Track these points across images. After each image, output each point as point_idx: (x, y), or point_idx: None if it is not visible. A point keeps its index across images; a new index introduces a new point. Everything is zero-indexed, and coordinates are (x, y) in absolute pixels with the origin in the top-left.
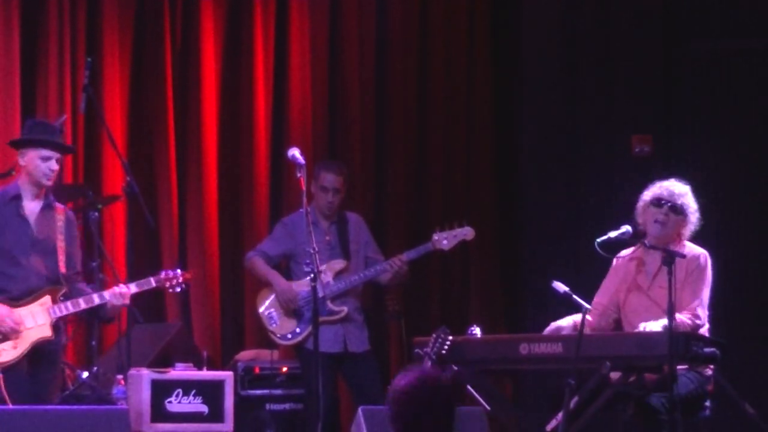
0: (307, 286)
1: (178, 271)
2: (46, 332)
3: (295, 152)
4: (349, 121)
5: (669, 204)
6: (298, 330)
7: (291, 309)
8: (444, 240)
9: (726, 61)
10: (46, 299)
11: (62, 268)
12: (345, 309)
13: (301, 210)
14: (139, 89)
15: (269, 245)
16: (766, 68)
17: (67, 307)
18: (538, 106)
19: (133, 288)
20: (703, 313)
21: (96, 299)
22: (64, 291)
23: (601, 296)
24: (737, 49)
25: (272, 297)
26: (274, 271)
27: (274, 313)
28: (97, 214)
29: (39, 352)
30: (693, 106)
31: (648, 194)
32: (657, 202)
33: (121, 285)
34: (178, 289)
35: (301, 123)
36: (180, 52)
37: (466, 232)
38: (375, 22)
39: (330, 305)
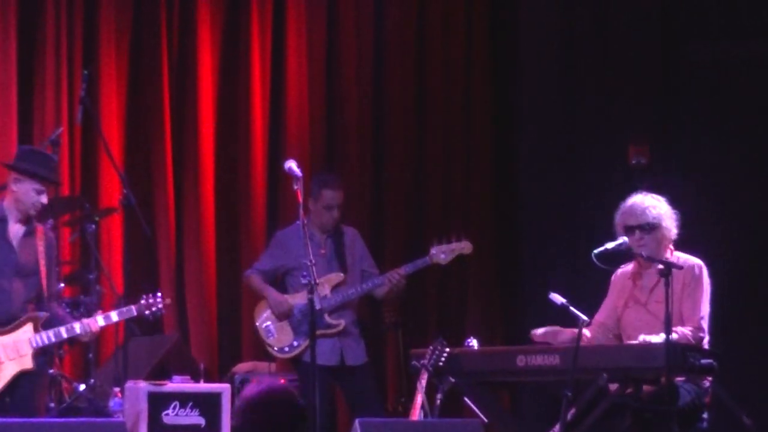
0: (302, 298)
1: (159, 294)
2: (28, 364)
3: (292, 165)
4: (346, 126)
5: (638, 227)
6: (295, 343)
7: (287, 321)
8: (442, 254)
9: (724, 65)
10: (29, 328)
11: (44, 291)
12: (342, 322)
13: (297, 222)
14: (136, 100)
15: (264, 261)
16: (764, 72)
17: (49, 337)
18: (537, 110)
19: (114, 317)
20: (706, 325)
21: (77, 329)
22: (45, 318)
23: (600, 313)
24: (736, 53)
25: (269, 310)
26: (268, 285)
27: (271, 326)
28: (94, 226)
29: (19, 379)
30: (691, 109)
31: (618, 221)
32: (627, 230)
33: (96, 318)
34: (158, 315)
35: (298, 131)
36: (177, 63)
37: (464, 246)
38: (372, 26)
39: (327, 319)
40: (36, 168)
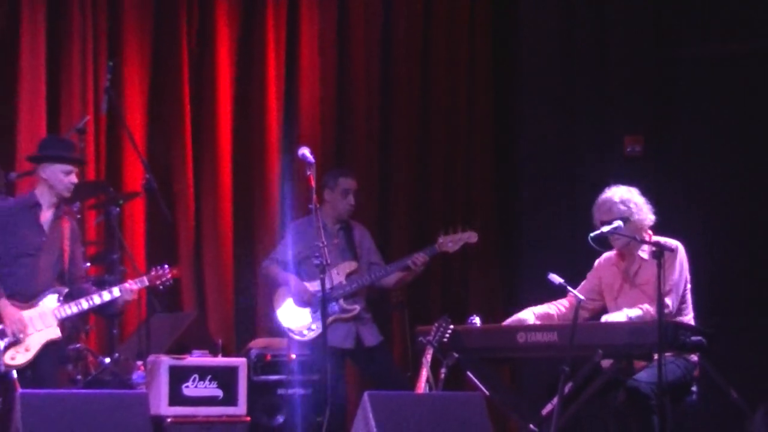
0: (319, 285)
1: (166, 266)
2: (56, 333)
3: (305, 151)
4: (355, 120)
5: (609, 222)
6: (313, 326)
7: (307, 308)
8: (449, 243)
9: (717, 63)
10: (51, 301)
11: (66, 270)
12: (357, 307)
13: (309, 206)
14: (158, 91)
15: (281, 251)
16: (756, 70)
17: (71, 308)
18: (537, 104)
19: (128, 287)
20: (672, 301)
21: (97, 299)
22: (66, 292)
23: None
24: (728, 52)
25: (288, 297)
26: (288, 273)
27: (291, 313)
28: (117, 209)
29: (45, 349)
30: (684, 107)
31: (594, 217)
32: (602, 224)
33: (131, 281)
34: (168, 285)
35: (311, 122)
36: (196, 56)
37: (470, 236)
38: (380, 26)
39: (342, 304)
40: (60, 152)
